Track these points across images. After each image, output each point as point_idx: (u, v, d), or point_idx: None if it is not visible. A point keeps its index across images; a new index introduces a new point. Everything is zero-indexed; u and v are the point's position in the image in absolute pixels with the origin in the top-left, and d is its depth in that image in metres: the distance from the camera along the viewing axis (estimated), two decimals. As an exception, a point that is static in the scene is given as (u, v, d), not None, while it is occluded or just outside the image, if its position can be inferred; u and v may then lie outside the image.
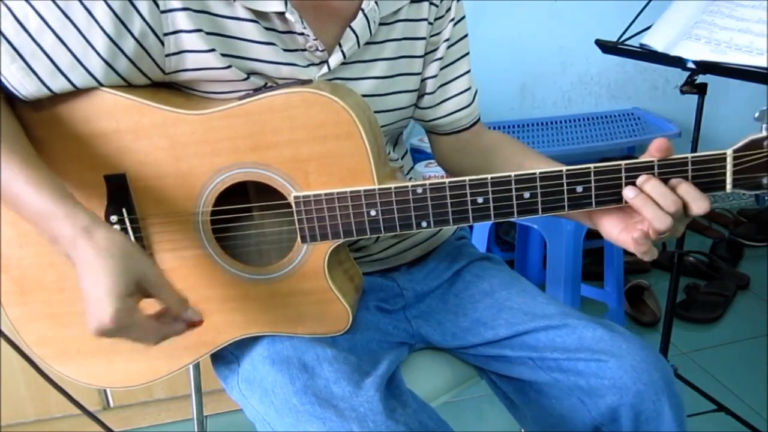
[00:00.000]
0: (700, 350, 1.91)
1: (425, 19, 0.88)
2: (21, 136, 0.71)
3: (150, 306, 0.67)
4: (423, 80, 0.93)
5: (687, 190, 0.70)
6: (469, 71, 0.97)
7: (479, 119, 1.01)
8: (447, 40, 0.92)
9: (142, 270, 0.65)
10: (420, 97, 0.94)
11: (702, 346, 1.92)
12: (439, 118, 0.96)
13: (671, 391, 0.81)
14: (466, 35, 0.95)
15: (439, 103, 0.95)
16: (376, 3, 0.81)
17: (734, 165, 0.69)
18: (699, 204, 0.69)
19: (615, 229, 0.75)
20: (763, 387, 1.73)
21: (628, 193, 0.71)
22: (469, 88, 0.97)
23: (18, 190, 0.66)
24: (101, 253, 0.63)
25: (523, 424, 0.94)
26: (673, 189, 0.70)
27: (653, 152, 0.70)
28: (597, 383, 0.81)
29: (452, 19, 0.92)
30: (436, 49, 0.92)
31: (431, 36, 0.91)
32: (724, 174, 0.69)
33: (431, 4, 0.88)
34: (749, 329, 1.97)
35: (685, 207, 0.70)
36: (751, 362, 1.85)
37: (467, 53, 0.96)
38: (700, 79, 1.30)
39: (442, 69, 0.93)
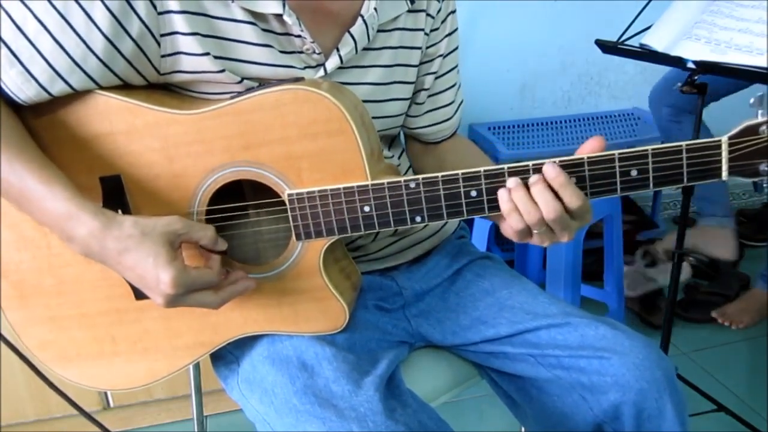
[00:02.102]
0: (700, 350, 1.90)
1: (422, 29, 0.89)
2: (26, 136, 0.71)
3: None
4: (416, 91, 0.94)
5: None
6: (455, 84, 0.98)
7: (456, 131, 1.03)
8: (441, 54, 0.92)
9: (168, 230, 0.68)
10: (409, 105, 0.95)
11: (702, 346, 1.92)
12: (421, 128, 0.97)
13: (673, 389, 0.81)
14: (456, 48, 0.96)
15: (423, 114, 0.96)
16: (375, 10, 0.81)
17: (730, 152, 0.68)
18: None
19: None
20: (763, 387, 1.73)
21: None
22: (453, 102, 0.98)
23: (31, 192, 0.67)
24: (131, 241, 0.67)
25: (524, 422, 0.94)
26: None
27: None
28: (599, 380, 0.81)
29: (448, 33, 0.92)
30: (431, 62, 0.93)
31: (427, 47, 0.91)
32: (720, 161, 0.68)
33: (428, 15, 0.89)
34: (749, 329, 1.97)
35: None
36: (751, 362, 1.85)
37: (456, 66, 0.97)
38: (700, 79, 1.30)
39: (434, 81, 0.94)
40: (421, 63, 0.92)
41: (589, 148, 0.70)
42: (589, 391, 0.82)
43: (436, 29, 0.91)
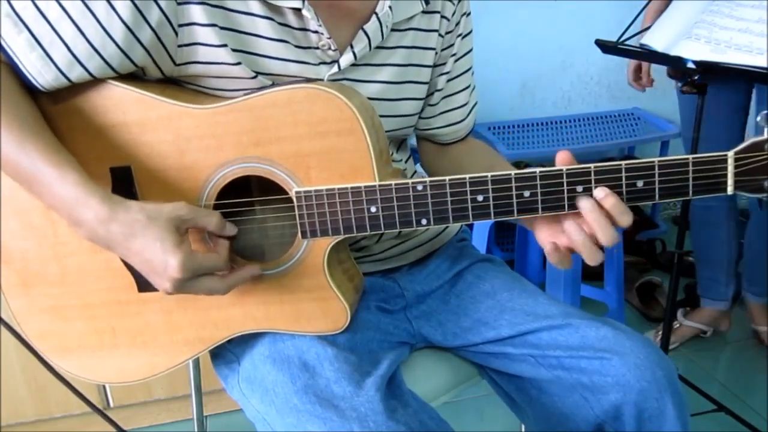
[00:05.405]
0: (700, 350, 1.91)
1: (436, 31, 0.89)
2: (41, 120, 0.72)
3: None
4: (430, 92, 0.94)
5: (614, 203, 0.70)
6: (469, 86, 0.98)
7: (470, 133, 1.02)
8: (454, 54, 0.93)
9: (174, 215, 0.69)
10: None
11: (702, 346, 1.92)
12: (435, 128, 0.97)
13: (674, 389, 0.81)
14: (470, 50, 0.96)
15: (437, 115, 0.96)
16: (390, 8, 0.81)
17: (736, 167, 0.68)
18: (625, 218, 0.71)
19: (542, 234, 0.77)
20: (763, 387, 1.73)
21: (584, 204, 0.71)
22: (467, 103, 0.98)
23: (42, 175, 0.68)
24: (138, 225, 0.67)
25: (525, 422, 0.94)
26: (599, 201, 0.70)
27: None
28: (600, 380, 0.81)
29: (460, 34, 0.92)
30: (444, 63, 0.93)
31: (442, 50, 0.92)
32: (726, 176, 0.69)
33: (443, 17, 0.89)
34: (749, 329, 1.97)
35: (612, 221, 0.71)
36: (751, 362, 1.85)
37: (470, 68, 0.97)
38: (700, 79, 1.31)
39: (447, 83, 0.94)
40: (436, 65, 0.92)
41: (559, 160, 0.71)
42: (590, 391, 0.82)
43: (451, 31, 0.91)
